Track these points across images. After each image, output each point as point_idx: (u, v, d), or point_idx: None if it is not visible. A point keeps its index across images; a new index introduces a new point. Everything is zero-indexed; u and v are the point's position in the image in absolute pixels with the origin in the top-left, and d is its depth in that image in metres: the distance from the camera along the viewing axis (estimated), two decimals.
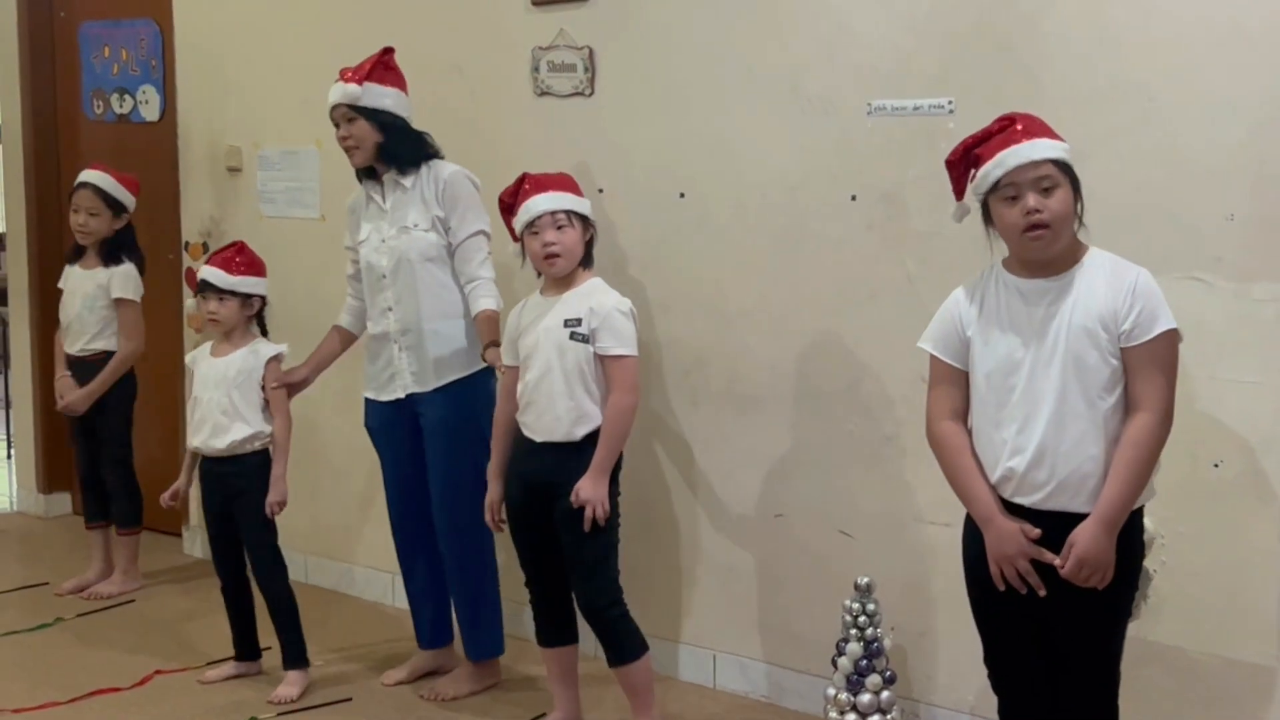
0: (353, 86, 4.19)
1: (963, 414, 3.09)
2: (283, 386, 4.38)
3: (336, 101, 4.22)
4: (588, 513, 3.72)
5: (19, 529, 6.40)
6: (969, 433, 3.08)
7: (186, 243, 5.80)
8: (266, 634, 4.52)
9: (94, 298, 5.25)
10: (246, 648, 4.56)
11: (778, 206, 4.18)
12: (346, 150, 4.26)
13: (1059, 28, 3.66)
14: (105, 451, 5.34)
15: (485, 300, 4.15)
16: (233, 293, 4.34)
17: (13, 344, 6.71)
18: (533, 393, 3.81)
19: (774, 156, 4.17)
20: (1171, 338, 2.91)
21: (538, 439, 3.82)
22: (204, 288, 4.36)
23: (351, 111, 4.20)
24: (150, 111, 5.98)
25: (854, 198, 4.03)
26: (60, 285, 5.39)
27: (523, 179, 3.90)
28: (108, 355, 5.26)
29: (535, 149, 4.52)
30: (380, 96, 4.21)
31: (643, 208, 4.45)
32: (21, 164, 6.40)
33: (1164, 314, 2.90)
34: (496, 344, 4.02)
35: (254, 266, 4.40)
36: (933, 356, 3.13)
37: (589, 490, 3.73)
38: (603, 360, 3.77)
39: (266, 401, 4.37)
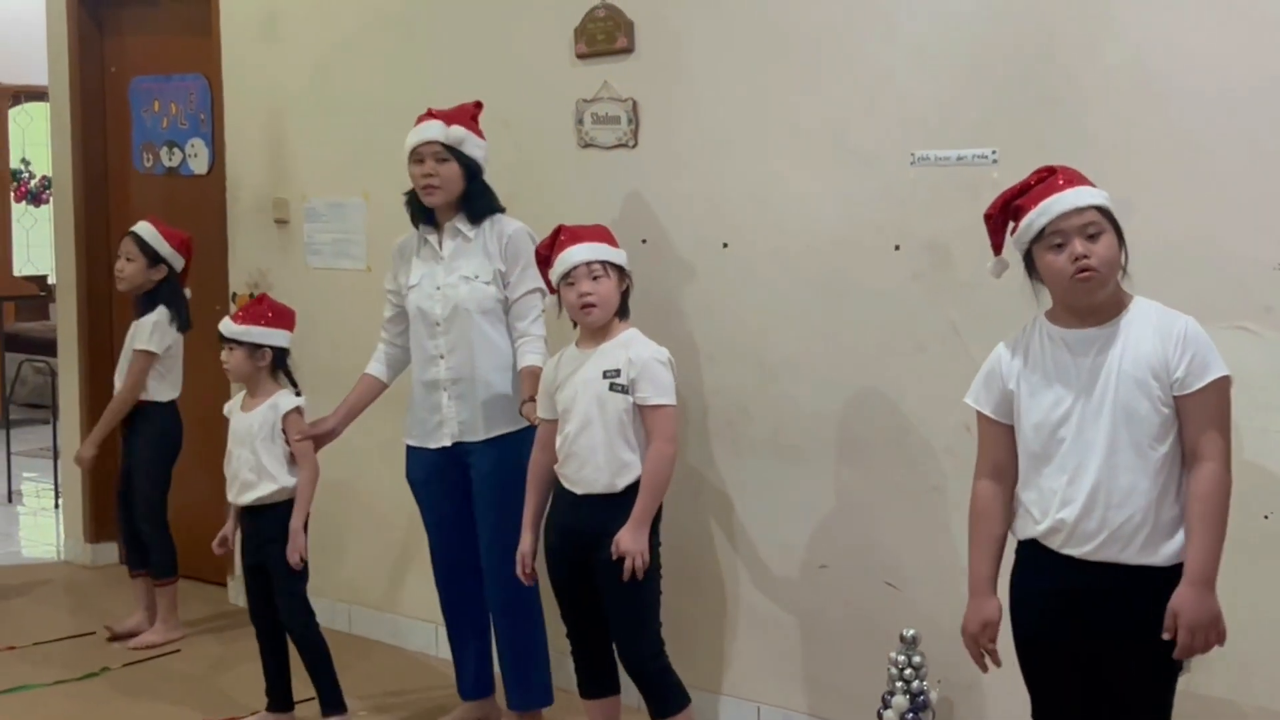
0: (457, 129, 4.21)
1: (1007, 469, 3.08)
2: (308, 438, 4.39)
3: (434, 139, 4.20)
4: (627, 564, 3.69)
5: (66, 578, 6.44)
6: (1012, 487, 3.08)
7: (234, 294, 5.84)
8: (306, 687, 4.53)
9: (130, 347, 5.35)
10: (279, 698, 4.54)
11: (821, 257, 4.18)
12: (426, 188, 4.22)
13: (1102, 79, 3.66)
14: (136, 500, 5.38)
15: (532, 356, 4.15)
16: (238, 341, 4.38)
17: (61, 395, 6.77)
18: (572, 445, 3.80)
19: (817, 207, 4.18)
20: (1224, 385, 2.90)
21: (578, 491, 3.81)
22: (220, 337, 4.44)
23: (446, 152, 4.20)
24: (199, 164, 6.05)
25: (898, 248, 4.03)
26: None
27: (558, 231, 3.90)
28: (146, 404, 5.34)
29: (579, 200, 4.54)
30: (476, 146, 4.25)
31: (686, 259, 4.46)
32: (72, 216, 6.48)
33: (1215, 361, 2.89)
34: (534, 399, 4.02)
35: (261, 317, 4.41)
36: (978, 413, 3.12)
37: (628, 541, 3.70)
38: (642, 410, 3.76)
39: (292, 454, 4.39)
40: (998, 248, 3.12)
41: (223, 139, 5.86)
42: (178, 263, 5.36)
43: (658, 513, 3.82)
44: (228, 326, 4.41)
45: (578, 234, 3.86)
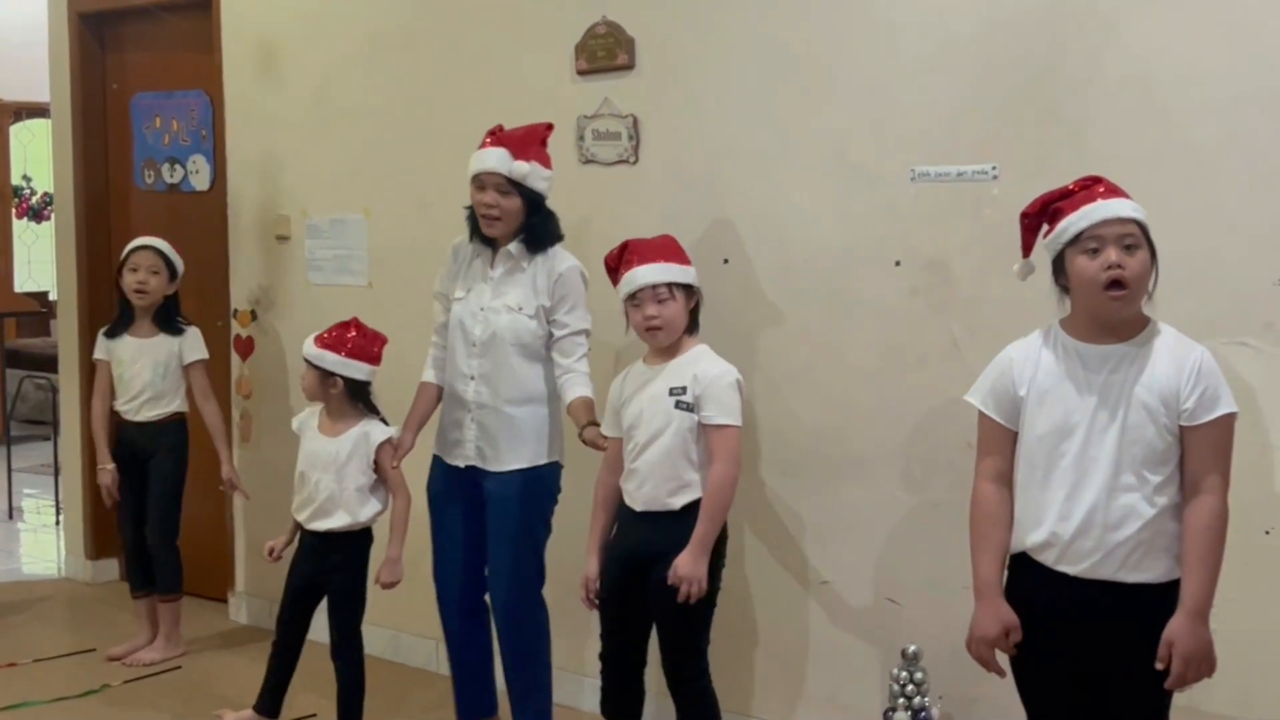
0: (522, 165, 4.07)
1: (1007, 474, 3.07)
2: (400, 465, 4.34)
3: (496, 170, 4.09)
4: (684, 589, 3.65)
5: (67, 595, 6.43)
6: (1009, 493, 3.06)
7: (235, 310, 5.85)
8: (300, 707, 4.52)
9: (166, 364, 5.33)
10: (270, 705, 4.51)
11: (822, 272, 4.19)
12: (485, 217, 4.13)
13: (1105, 94, 3.67)
14: (152, 515, 5.35)
15: (580, 388, 4.08)
16: (311, 364, 4.31)
17: (62, 411, 6.77)
18: (636, 461, 3.78)
19: (818, 222, 4.18)
20: (1231, 421, 2.90)
21: (638, 508, 3.79)
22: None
23: (509, 186, 4.08)
24: (200, 181, 6.05)
25: (898, 263, 4.04)
26: (102, 357, 5.41)
27: (626, 246, 3.87)
28: (178, 416, 5.35)
29: (580, 216, 4.54)
30: (541, 179, 4.13)
31: None
32: (73, 233, 6.47)
33: (1225, 396, 2.89)
34: (595, 424, 3.97)
35: (341, 345, 4.30)
36: (981, 413, 3.11)
37: (688, 567, 3.65)
38: (705, 430, 3.72)
39: (376, 481, 4.34)
40: (1028, 248, 3.10)
41: (224, 155, 5.86)
42: (182, 273, 5.38)
43: (723, 533, 3.79)
44: (306, 346, 4.34)
45: (645, 252, 3.82)
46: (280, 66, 5.59)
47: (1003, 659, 3.10)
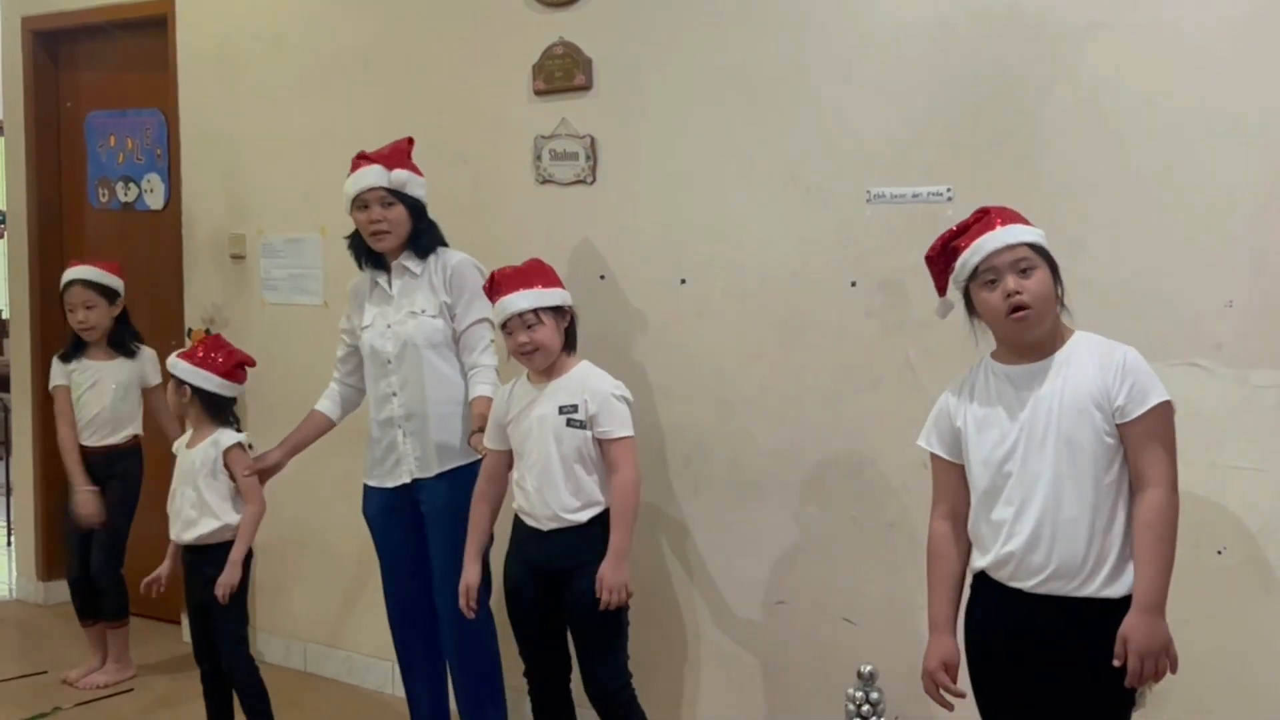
0: (399, 172, 4.18)
1: (962, 509, 3.11)
2: (254, 473, 4.35)
3: (376, 185, 4.18)
4: (607, 597, 3.68)
5: (18, 617, 6.37)
6: (962, 530, 3.11)
7: (189, 330, 5.82)
8: None
9: (127, 387, 5.30)
10: None
11: (779, 293, 4.20)
12: (376, 234, 4.20)
13: (1056, 118, 3.70)
14: (97, 543, 5.29)
15: (482, 386, 4.14)
16: (173, 376, 4.36)
17: (14, 431, 6.71)
18: (534, 481, 3.80)
19: (774, 243, 4.20)
20: (1166, 410, 2.91)
21: (545, 527, 3.80)
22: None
23: (391, 196, 4.18)
24: (155, 200, 6.02)
25: (854, 284, 4.06)
26: (61, 382, 5.35)
27: (492, 278, 3.90)
28: (134, 441, 5.34)
29: (536, 237, 4.55)
30: (417, 185, 4.23)
31: (644, 294, 4.47)
32: (26, 251, 6.44)
33: (1155, 387, 2.90)
34: (483, 430, 4.01)
35: (191, 356, 4.36)
36: (932, 455, 3.15)
37: (612, 575, 3.69)
38: (603, 444, 3.77)
39: (238, 489, 4.34)
40: (941, 289, 3.14)
41: (179, 174, 5.83)
42: (123, 291, 5.34)
43: None
44: (170, 360, 4.39)
45: (510, 280, 3.85)
46: (236, 85, 5.58)
47: (963, 683, 3.12)
